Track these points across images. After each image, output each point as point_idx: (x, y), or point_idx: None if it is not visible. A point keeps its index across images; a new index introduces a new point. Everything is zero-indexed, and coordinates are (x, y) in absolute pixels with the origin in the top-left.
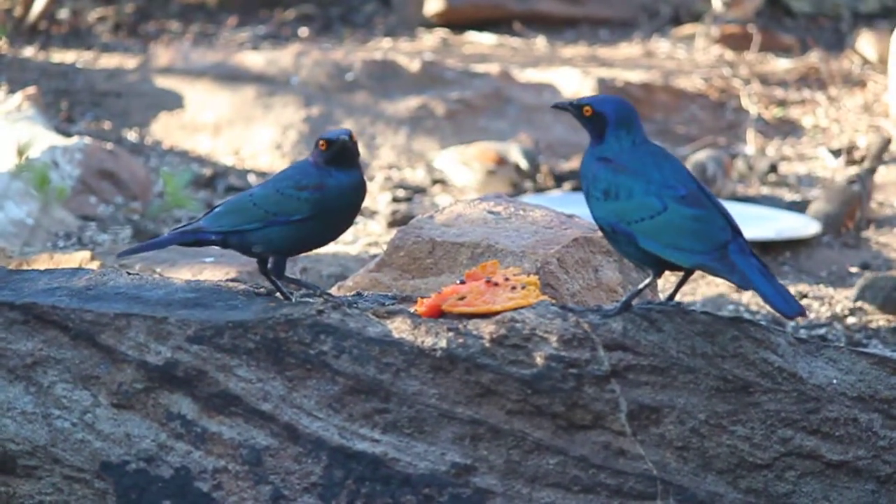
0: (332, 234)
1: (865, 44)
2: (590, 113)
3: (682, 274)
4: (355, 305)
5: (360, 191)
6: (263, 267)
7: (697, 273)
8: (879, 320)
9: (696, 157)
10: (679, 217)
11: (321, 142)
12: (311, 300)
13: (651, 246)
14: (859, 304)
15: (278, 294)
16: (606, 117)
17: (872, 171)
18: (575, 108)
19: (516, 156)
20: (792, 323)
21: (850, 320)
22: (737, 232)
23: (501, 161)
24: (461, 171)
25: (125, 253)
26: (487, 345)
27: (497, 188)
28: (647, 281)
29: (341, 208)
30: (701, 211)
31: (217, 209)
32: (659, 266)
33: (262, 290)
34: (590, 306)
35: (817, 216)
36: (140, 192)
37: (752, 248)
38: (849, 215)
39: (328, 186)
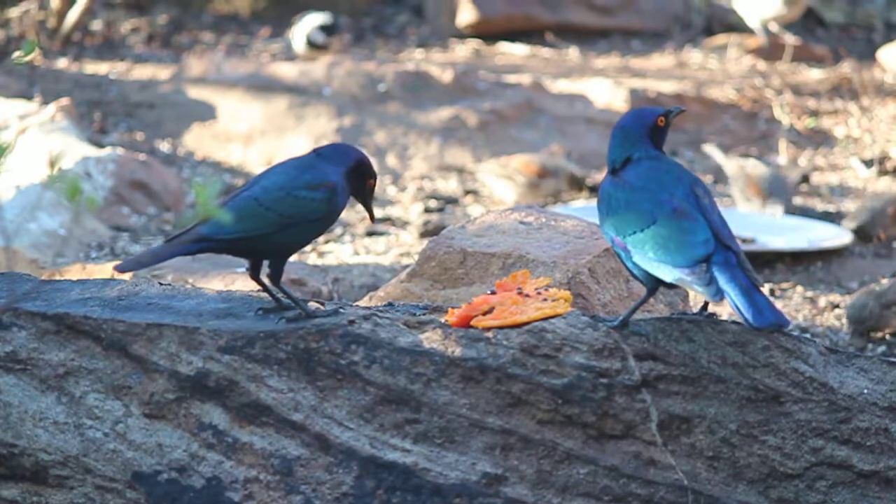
0: (315, 237)
1: (888, 55)
2: (663, 123)
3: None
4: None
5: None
6: (255, 273)
7: None
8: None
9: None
10: (665, 230)
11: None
12: (342, 311)
13: (641, 260)
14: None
15: (286, 300)
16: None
17: None
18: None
19: (567, 164)
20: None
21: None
22: (725, 246)
23: (544, 173)
24: (502, 184)
25: (125, 266)
26: (518, 355)
27: (539, 201)
28: (643, 297)
29: (339, 211)
30: (686, 223)
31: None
32: (654, 282)
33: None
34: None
35: (850, 227)
36: (172, 203)
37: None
38: (882, 226)
39: (338, 185)
